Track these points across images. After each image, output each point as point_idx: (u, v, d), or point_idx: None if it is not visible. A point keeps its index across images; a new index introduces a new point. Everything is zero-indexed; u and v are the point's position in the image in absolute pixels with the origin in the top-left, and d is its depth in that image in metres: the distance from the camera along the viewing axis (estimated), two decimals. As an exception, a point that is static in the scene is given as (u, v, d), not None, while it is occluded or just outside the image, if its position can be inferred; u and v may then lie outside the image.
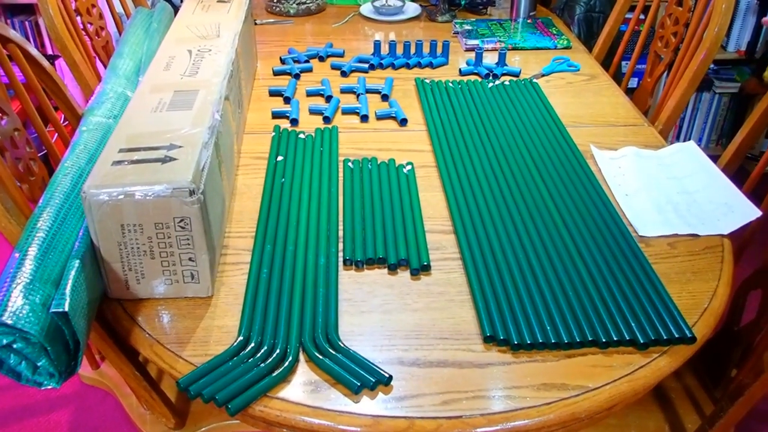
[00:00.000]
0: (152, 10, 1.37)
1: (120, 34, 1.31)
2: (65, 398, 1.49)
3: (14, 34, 0.97)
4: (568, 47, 1.48)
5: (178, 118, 0.83)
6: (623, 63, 2.09)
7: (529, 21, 1.60)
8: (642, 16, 1.45)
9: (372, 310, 0.76)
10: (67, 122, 1.12)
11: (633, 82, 2.15)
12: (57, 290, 0.66)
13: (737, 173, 1.07)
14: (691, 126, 2.35)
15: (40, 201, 0.77)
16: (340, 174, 0.99)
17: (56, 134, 1.07)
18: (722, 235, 0.87)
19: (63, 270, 0.69)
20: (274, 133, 1.09)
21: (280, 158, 1.02)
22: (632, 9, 1.47)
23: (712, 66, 2.27)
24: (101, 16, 1.39)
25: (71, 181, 0.81)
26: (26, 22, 2.29)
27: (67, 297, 0.64)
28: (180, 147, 0.76)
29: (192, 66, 0.97)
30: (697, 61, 1.17)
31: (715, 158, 1.07)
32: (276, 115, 1.16)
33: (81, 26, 1.31)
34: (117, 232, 0.71)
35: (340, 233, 0.87)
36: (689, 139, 2.36)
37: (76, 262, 0.69)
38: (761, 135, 1.06)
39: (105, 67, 1.23)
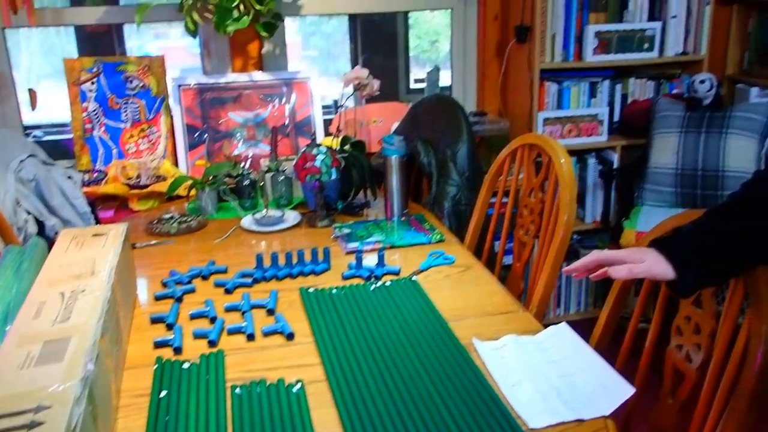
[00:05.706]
0: (23, 247, 1.35)
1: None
2: None
3: None
4: (441, 240, 1.57)
5: (47, 373, 0.79)
6: (495, 243, 2.24)
7: (403, 219, 1.71)
8: (505, 199, 1.60)
9: None
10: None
11: (508, 259, 2.30)
12: None
13: (616, 332, 1.15)
14: (568, 294, 2.51)
15: None
16: (228, 403, 0.96)
17: None
18: (605, 416, 0.90)
19: None
20: (156, 366, 1.06)
21: (163, 393, 0.98)
22: (495, 194, 1.62)
23: (575, 236, 2.48)
24: (-31, 259, 1.34)
25: None
26: None
27: None
28: (48, 408, 0.72)
29: (64, 311, 0.95)
30: (555, 246, 1.28)
31: (595, 321, 1.15)
32: (158, 345, 1.13)
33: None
34: None
35: (231, 472, 0.82)
36: (569, 308, 2.52)
37: None
38: (628, 296, 1.15)
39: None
